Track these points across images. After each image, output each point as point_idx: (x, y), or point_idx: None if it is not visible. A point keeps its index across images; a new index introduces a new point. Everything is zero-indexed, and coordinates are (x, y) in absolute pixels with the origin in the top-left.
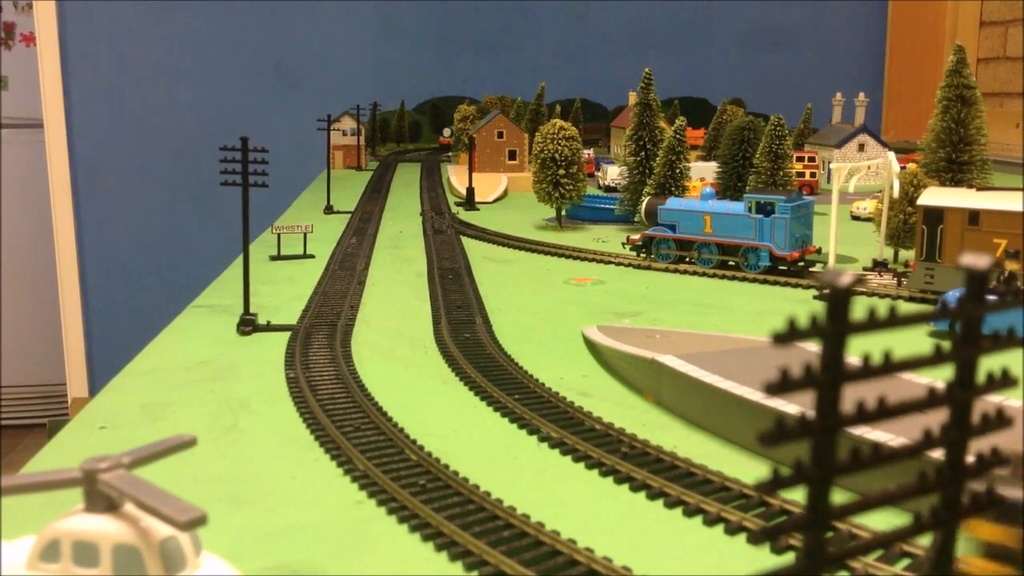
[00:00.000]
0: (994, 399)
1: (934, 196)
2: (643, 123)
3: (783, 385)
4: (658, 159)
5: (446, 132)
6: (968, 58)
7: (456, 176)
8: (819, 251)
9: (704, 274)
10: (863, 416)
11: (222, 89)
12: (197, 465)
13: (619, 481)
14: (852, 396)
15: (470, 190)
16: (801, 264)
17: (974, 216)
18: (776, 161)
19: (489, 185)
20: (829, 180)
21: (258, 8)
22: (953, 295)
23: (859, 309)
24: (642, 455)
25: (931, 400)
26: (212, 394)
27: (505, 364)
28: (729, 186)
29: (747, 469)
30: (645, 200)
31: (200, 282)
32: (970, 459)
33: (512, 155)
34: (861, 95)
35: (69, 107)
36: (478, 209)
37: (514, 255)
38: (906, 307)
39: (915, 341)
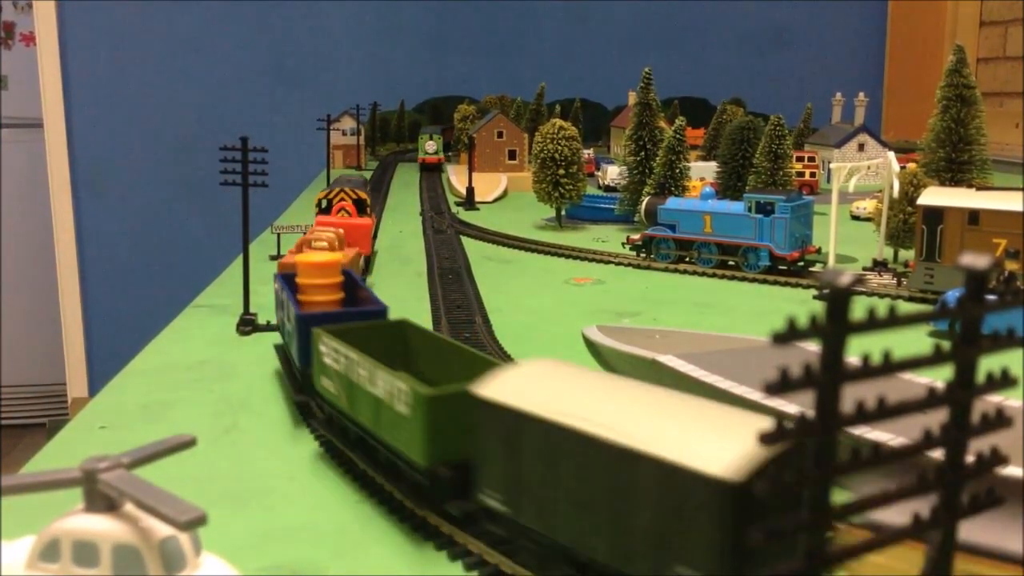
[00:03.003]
0: (994, 399)
1: (934, 196)
2: (643, 123)
3: (783, 385)
4: (658, 159)
5: (429, 147)
6: (968, 58)
7: (456, 176)
8: (819, 251)
9: (704, 274)
10: (863, 416)
11: (222, 89)
12: (197, 465)
13: None
14: (852, 396)
15: (470, 190)
16: (801, 264)
17: (974, 216)
18: (776, 161)
19: (489, 185)
20: (829, 180)
21: (258, 8)
22: (953, 295)
23: (859, 309)
24: None
25: (931, 400)
26: (212, 394)
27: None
28: (729, 186)
29: None
30: (645, 200)
31: (200, 282)
32: (970, 459)
33: (512, 155)
34: (861, 95)
35: (69, 107)
36: (478, 209)
37: (514, 255)
38: (906, 307)
39: (915, 341)
